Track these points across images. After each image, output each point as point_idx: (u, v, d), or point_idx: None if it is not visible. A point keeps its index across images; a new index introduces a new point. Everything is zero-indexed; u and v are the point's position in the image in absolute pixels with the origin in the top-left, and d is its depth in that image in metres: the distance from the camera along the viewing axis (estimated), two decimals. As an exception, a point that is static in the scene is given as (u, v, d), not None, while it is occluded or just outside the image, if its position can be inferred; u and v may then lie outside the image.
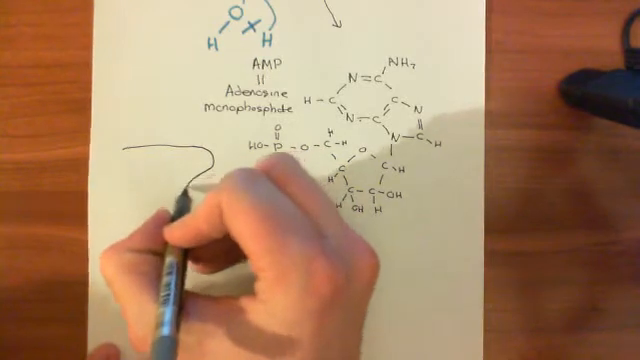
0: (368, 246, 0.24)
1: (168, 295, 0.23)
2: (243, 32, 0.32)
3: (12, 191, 0.32)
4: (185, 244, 0.25)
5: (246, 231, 0.21)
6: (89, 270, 0.32)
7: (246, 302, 0.22)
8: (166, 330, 0.21)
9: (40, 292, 0.32)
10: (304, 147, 0.32)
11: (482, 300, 0.33)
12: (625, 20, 0.34)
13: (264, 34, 0.32)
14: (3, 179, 0.32)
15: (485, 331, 0.33)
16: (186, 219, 0.24)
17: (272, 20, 0.32)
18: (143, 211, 0.32)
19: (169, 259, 0.24)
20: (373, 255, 0.24)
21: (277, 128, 0.32)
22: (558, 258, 0.34)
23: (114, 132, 0.32)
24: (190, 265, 0.26)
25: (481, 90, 0.33)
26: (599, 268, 0.34)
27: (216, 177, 0.32)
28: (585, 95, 0.31)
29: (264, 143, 0.32)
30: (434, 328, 0.33)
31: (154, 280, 0.24)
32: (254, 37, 0.32)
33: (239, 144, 0.32)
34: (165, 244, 0.25)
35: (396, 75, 0.33)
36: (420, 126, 0.33)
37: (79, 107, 0.32)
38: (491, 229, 0.33)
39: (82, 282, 0.32)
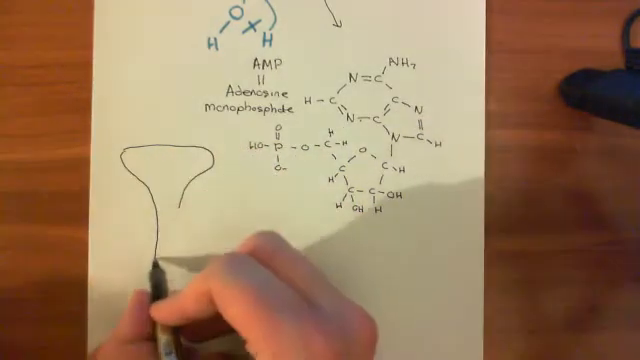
0: (363, 310, 0.24)
1: None
2: (243, 32, 0.32)
3: (12, 191, 0.32)
4: (174, 324, 0.25)
5: (239, 317, 0.22)
6: (89, 270, 0.32)
7: None
8: None
9: (40, 292, 0.32)
10: (304, 147, 0.32)
11: (482, 300, 0.33)
12: (625, 20, 0.34)
13: (264, 34, 0.32)
14: (3, 179, 0.32)
15: (485, 331, 0.32)
16: (173, 301, 0.25)
17: (272, 20, 0.32)
18: (143, 212, 0.32)
19: (164, 338, 0.25)
20: (369, 319, 0.24)
21: (277, 128, 0.32)
22: (558, 258, 0.34)
23: (114, 132, 0.32)
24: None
25: (481, 90, 0.33)
26: (599, 268, 0.34)
27: (216, 177, 0.32)
28: (585, 95, 0.31)
29: (264, 143, 0.32)
30: (434, 328, 0.33)
31: None
32: (254, 37, 0.32)
33: (239, 144, 0.32)
34: (154, 325, 0.26)
35: (396, 75, 0.33)
36: (420, 126, 0.33)
37: (79, 107, 0.32)
38: (491, 229, 0.33)
39: (82, 282, 0.32)
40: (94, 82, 0.32)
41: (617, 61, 0.34)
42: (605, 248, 0.34)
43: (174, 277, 0.30)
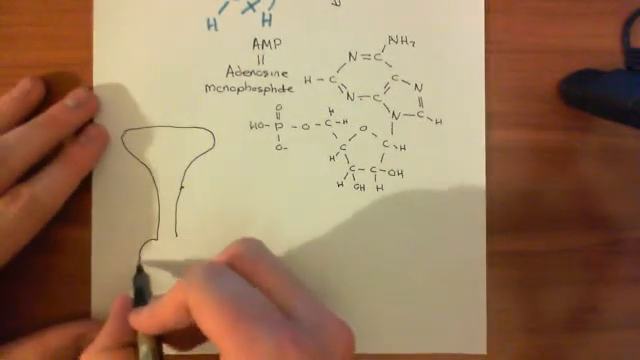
0: (340, 321, 0.24)
1: None
2: (242, 12, 0.33)
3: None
4: (154, 332, 0.25)
5: (214, 328, 0.21)
6: (92, 269, 0.32)
7: None
8: None
9: (41, 292, 0.32)
10: (305, 126, 0.33)
11: (484, 297, 0.32)
12: (625, 20, 0.34)
13: (263, 14, 0.33)
14: (4, 178, 0.32)
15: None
16: (151, 310, 0.25)
17: (271, 0, 0.32)
18: (145, 193, 0.32)
19: (144, 348, 0.25)
20: (346, 330, 0.24)
21: (278, 108, 0.32)
22: (558, 258, 0.33)
23: (115, 113, 0.32)
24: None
25: (481, 66, 0.33)
26: (599, 268, 0.34)
27: (217, 158, 0.32)
28: (585, 95, 0.31)
29: (265, 123, 0.32)
30: (437, 311, 0.33)
31: None
32: (254, 17, 0.33)
33: (240, 124, 0.32)
34: (136, 331, 0.26)
35: (396, 53, 0.33)
36: (421, 104, 0.33)
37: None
38: (492, 229, 0.33)
39: (84, 282, 0.32)
40: (94, 62, 0.32)
41: (617, 61, 0.34)
42: (605, 248, 0.34)
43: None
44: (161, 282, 0.31)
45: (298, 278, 0.25)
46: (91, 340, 0.30)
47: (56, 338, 0.30)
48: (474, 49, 0.33)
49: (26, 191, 0.28)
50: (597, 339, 0.33)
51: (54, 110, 0.30)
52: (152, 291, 0.29)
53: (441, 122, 0.33)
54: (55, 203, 0.29)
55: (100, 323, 0.30)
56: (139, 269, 0.30)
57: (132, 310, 0.26)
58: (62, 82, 0.32)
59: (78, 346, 0.30)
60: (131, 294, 0.28)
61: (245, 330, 0.21)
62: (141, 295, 0.28)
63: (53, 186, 0.29)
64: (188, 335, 0.26)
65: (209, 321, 0.21)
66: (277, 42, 0.33)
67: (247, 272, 0.24)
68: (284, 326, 0.22)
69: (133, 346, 0.26)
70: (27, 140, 0.29)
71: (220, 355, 0.22)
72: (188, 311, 0.22)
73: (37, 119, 0.30)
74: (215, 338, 0.21)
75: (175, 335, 0.26)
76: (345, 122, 0.33)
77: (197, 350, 0.27)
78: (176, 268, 0.32)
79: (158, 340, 0.25)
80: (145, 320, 0.25)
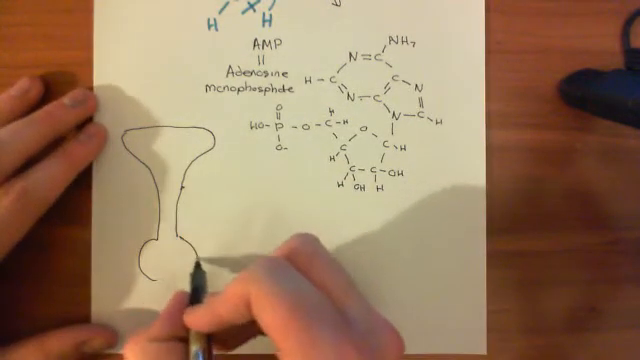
0: (392, 327, 0.24)
1: None
2: (243, 12, 0.33)
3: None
4: (208, 330, 0.25)
5: (275, 325, 0.21)
6: (92, 269, 0.32)
7: None
8: None
9: (41, 292, 0.32)
10: (305, 127, 0.33)
11: (484, 297, 0.32)
12: (625, 20, 0.34)
13: (264, 14, 0.33)
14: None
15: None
16: (209, 306, 0.24)
17: (272, 0, 0.33)
18: (145, 193, 0.32)
19: (195, 348, 0.25)
20: (398, 336, 0.24)
21: (278, 108, 0.33)
22: (558, 258, 0.33)
23: (115, 113, 0.32)
24: None
25: (481, 66, 0.33)
26: (599, 268, 0.34)
27: (217, 157, 0.32)
28: (585, 95, 0.31)
29: (265, 123, 0.32)
30: (437, 304, 0.33)
31: None
32: (254, 17, 0.33)
33: (240, 124, 0.32)
34: (188, 329, 0.25)
35: (396, 53, 0.33)
36: (421, 104, 0.33)
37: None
38: (492, 229, 0.33)
39: (84, 282, 0.32)
40: (94, 62, 0.32)
41: (617, 61, 0.34)
42: (605, 248, 0.34)
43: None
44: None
45: (351, 277, 0.25)
46: (92, 346, 0.30)
47: (57, 343, 0.30)
48: (474, 49, 0.33)
49: (19, 184, 0.28)
50: (597, 339, 0.33)
51: (50, 107, 0.30)
52: (209, 289, 0.28)
53: (441, 122, 0.33)
54: (48, 196, 0.29)
55: (102, 326, 0.31)
56: (197, 265, 0.30)
57: (188, 308, 0.26)
58: (62, 82, 0.32)
59: (79, 352, 0.30)
60: (187, 288, 0.28)
61: (307, 330, 0.21)
62: (197, 293, 0.28)
63: (47, 179, 0.29)
64: (235, 334, 0.26)
65: (270, 316, 0.21)
66: (277, 42, 0.33)
67: (303, 267, 0.24)
68: (344, 328, 0.22)
69: (182, 341, 0.25)
70: (20, 136, 0.29)
71: (277, 350, 0.22)
72: (248, 306, 0.22)
73: (32, 115, 0.30)
74: (275, 334, 0.21)
75: (223, 334, 0.26)
76: (345, 122, 0.33)
77: (244, 350, 0.27)
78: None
79: (209, 340, 0.25)
80: (201, 317, 0.25)
